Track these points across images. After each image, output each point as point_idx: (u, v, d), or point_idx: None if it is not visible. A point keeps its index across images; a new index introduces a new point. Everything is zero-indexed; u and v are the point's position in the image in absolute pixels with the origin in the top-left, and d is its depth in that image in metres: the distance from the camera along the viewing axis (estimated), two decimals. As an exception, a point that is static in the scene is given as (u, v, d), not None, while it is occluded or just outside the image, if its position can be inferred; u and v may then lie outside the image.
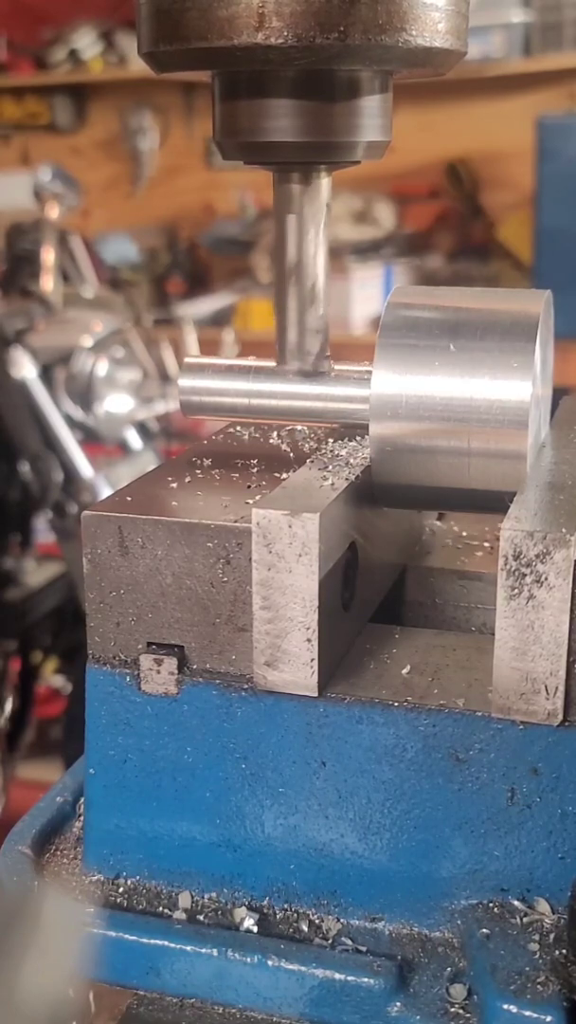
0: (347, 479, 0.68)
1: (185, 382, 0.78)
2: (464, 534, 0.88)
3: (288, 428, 0.82)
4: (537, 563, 0.59)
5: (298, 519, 0.61)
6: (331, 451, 0.74)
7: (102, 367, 2.70)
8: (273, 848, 0.66)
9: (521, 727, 0.62)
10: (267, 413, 0.78)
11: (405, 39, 0.64)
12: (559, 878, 0.62)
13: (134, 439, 2.90)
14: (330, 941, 0.64)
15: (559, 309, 0.74)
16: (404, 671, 0.67)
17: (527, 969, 0.58)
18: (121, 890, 0.69)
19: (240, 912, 0.66)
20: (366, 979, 0.61)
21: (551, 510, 0.62)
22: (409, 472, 0.69)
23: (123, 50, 5.02)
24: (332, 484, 0.67)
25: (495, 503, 0.65)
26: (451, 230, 4.83)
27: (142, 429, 2.95)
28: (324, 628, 0.63)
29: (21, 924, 0.61)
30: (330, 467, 0.70)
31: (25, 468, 2.59)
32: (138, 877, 0.69)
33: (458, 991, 0.60)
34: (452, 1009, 0.59)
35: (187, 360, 0.79)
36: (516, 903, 0.63)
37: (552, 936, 0.60)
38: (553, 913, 0.62)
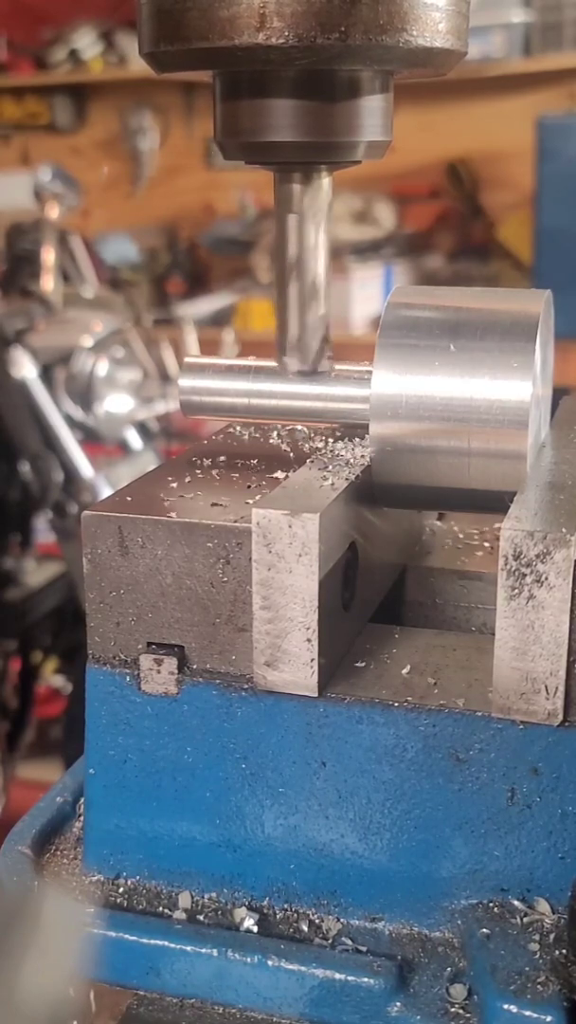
0: (347, 479, 0.68)
1: (185, 382, 0.78)
2: (464, 534, 0.88)
3: (288, 428, 0.82)
4: (537, 563, 0.59)
5: (298, 519, 0.61)
6: (331, 451, 0.74)
7: (102, 367, 2.70)
8: (273, 848, 0.66)
9: (521, 727, 0.62)
10: (267, 413, 0.78)
11: (406, 39, 0.64)
12: (559, 878, 0.62)
13: (134, 439, 2.90)
14: (330, 941, 0.64)
15: (559, 309, 0.74)
16: (404, 671, 0.67)
17: (527, 969, 0.58)
18: (121, 890, 0.69)
19: (240, 912, 0.66)
20: (366, 979, 0.61)
21: (551, 510, 0.62)
22: (409, 472, 0.69)
23: (123, 50, 5.02)
24: (332, 484, 0.67)
25: (495, 503, 0.65)
26: (451, 230, 4.83)
27: (142, 429, 2.95)
28: (324, 628, 0.63)
29: (21, 924, 0.61)
30: (330, 467, 0.70)
31: (25, 468, 2.59)
32: (138, 877, 0.69)
33: (458, 991, 0.60)
34: (452, 1009, 0.59)
35: (187, 360, 0.79)
36: (516, 903, 0.63)
37: (552, 936, 0.60)
38: (553, 913, 0.62)
